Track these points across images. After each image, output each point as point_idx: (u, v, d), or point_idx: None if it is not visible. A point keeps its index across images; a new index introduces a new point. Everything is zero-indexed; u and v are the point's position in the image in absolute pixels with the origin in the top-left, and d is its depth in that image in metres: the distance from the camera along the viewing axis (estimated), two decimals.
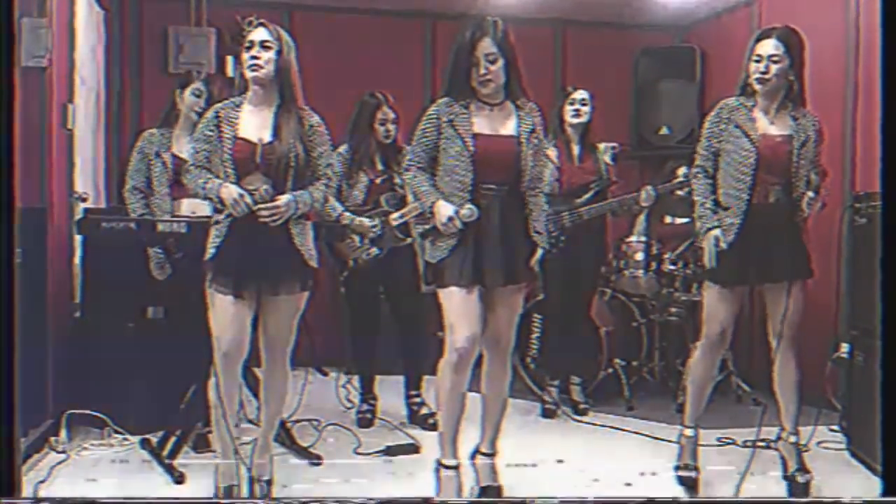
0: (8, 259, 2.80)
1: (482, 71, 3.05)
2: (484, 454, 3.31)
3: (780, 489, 3.41)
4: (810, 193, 3.33)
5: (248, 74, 3.05)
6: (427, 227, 3.16)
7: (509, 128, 3.13)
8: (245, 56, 3.05)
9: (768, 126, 3.34)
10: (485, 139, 3.09)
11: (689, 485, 3.45)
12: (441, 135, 3.10)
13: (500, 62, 3.06)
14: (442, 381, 3.14)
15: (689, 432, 3.56)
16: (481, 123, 3.11)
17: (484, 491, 3.24)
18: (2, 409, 2.77)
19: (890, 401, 2.97)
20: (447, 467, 3.22)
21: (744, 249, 3.31)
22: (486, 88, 3.08)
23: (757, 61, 3.31)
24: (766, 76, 3.30)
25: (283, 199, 3.02)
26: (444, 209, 3.06)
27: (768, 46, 3.30)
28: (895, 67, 2.97)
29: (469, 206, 3.05)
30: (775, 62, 3.30)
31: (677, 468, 3.53)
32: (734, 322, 3.45)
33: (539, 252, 3.18)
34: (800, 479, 3.42)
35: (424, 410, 4.38)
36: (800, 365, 3.42)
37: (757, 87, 3.32)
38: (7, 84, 2.82)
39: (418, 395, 4.44)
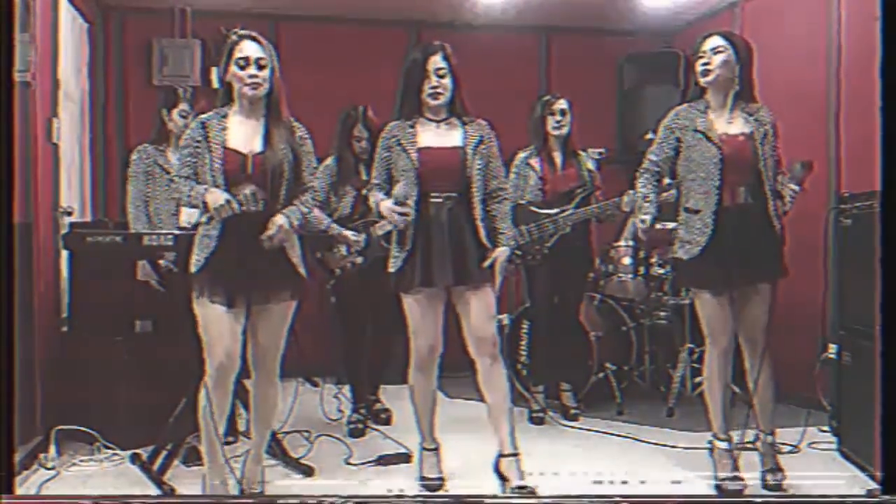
0: (7, 273, 2.80)
1: (433, 83, 3.28)
2: (507, 456, 3.33)
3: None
4: (794, 187, 3.33)
5: (248, 92, 3.06)
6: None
7: (454, 139, 3.34)
8: (241, 73, 3.04)
9: (727, 126, 3.35)
10: (429, 151, 3.30)
11: (735, 497, 3.37)
12: (391, 153, 3.33)
13: (449, 78, 3.30)
14: (412, 381, 3.46)
15: (722, 444, 3.47)
16: (427, 138, 3.33)
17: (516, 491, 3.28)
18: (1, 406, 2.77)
19: (888, 401, 2.99)
20: (428, 450, 3.52)
21: (722, 253, 3.30)
22: (436, 100, 3.30)
23: (700, 57, 3.36)
24: (710, 67, 3.33)
25: (278, 220, 3.03)
26: (387, 203, 3.27)
27: (709, 42, 3.36)
28: (895, 67, 2.99)
29: (399, 185, 3.24)
30: (717, 53, 3.33)
31: (719, 481, 3.43)
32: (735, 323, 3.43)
33: (500, 251, 3.33)
34: (770, 478, 3.42)
35: (378, 406, 4.57)
36: (774, 365, 3.43)
37: (702, 80, 3.36)
38: (6, 99, 2.82)
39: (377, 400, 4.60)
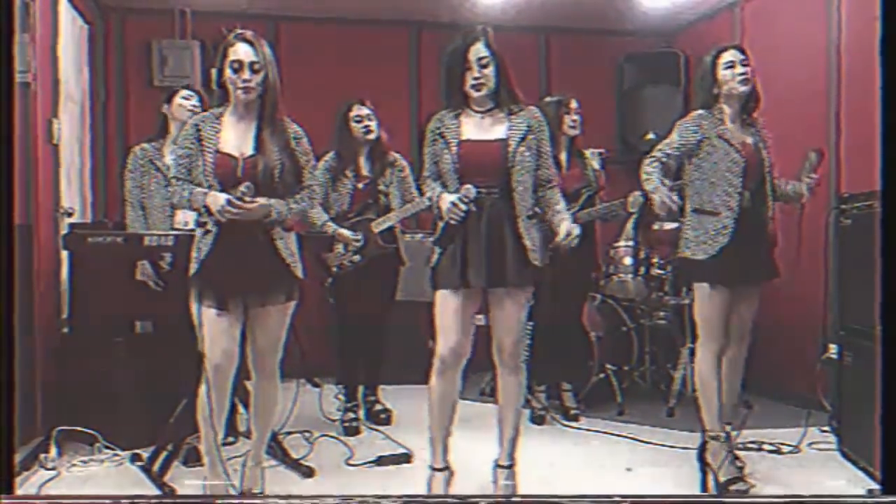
0: (7, 274, 2.80)
1: (476, 74, 3.10)
2: (502, 466, 3.29)
3: (767, 489, 3.43)
4: (813, 175, 3.48)
5: (240, 96, 3.05)
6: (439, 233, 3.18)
7: (498, 132, 3.14)
8: (234, 77, 3.04)
9: (743, 135, 3.45)
10: (470, 144, 3.13)
11: (736, 497, 3.35)
12: (436, 145, 3.17)
13: (492, 67, 3.12)
14: (431, 387, 3.18)
15: (718, 444, 3.46)
16: (470, 130, 3.15)
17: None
18: (1, 405, 2.77)
19: (888, 401, 2.98)
20: (436, 469, 3.25)
21: (737, 251, 3.37)
22: (479, 92, 3.12)
23: (730, 67, 3.42)
24: (747, 76, 3.41)
25: (259, 200, 3.01)
26: (446, 197, 3.10)
27: (734, 54, 3.43)
28: (895, 67, 2.99)
29: (466, 186, 3.07)
30: (746, 65, 3.43)
31: (721, 484, 3.40)
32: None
33: (567, 227, 3.15)
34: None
35: (378, 407, 4.58)
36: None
37: (740, 88, 3.42)
38: (6, 99, 2.82)
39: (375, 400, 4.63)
